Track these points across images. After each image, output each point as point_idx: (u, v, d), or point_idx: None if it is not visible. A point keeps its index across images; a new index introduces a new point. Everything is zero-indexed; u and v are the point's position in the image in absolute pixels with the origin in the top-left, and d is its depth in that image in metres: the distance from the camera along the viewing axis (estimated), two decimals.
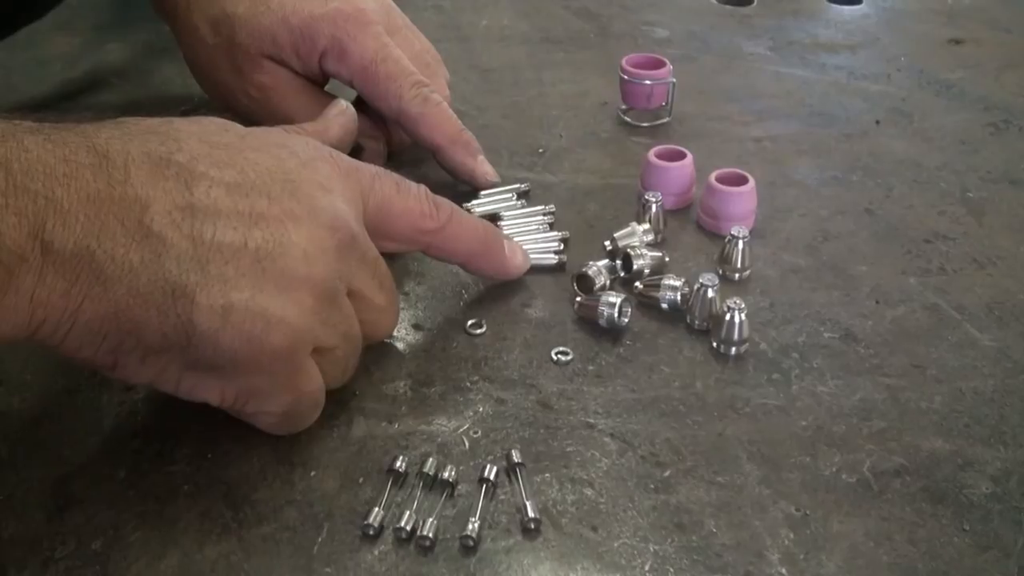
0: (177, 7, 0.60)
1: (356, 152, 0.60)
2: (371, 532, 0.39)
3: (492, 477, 0.41)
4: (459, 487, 0.41)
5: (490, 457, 0.42)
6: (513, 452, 0.42)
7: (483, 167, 0.60)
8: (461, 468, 0.42)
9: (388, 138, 0.62)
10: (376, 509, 0.39)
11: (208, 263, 0.37)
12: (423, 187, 0.47)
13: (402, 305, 0.51)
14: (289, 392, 0.40)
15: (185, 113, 0.67)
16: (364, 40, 0.57)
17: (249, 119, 0.57)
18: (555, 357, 0.48)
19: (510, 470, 0.42)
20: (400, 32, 0.61)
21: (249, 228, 0.38)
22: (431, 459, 0.42)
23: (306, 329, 0.39)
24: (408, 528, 0.39)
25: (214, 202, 0.38)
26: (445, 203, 0.48)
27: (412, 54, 0.60)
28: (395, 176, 0.47)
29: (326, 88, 0.61)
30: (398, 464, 0.41)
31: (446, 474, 0.41)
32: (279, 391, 0.40)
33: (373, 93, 0.58)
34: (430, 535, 0.38)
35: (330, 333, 0.41)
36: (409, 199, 0.46)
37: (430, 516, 0.39)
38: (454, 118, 0.59)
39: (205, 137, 0.40)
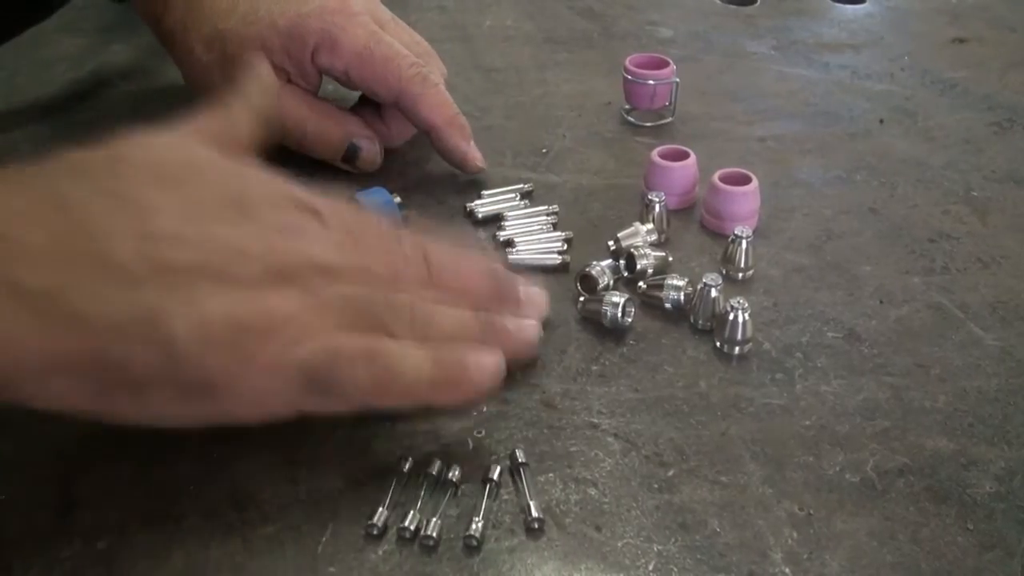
0: (174, 32, 0.61)
1: (353, 153, 0.60)
2: (375, 532, 0.39)
3: (496, 477, 0.41)
4: (463, 487, 0.41)
5: (494, 457, 0.43)
6: (517, 452, 0.42)
7: (474, 152, 0.60)
8: (465, 468, 0.42)
9: (383, 137, 0.62)
10: (380, 509, 0.40)
11: (177, 286, 0.37)
12: None
13: None
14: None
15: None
16: (354, 29, 0.58)
17: None
18: None
19: (514, 470, 0.42)
20: (388, 25, 0.62)
21: (206, 249, 0.38)
22: (435, 459, 0.42)
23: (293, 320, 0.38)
24: (412, 528, 0.39)
25: (170, 227, 0.38)
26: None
27: (402, 43, 0.60)
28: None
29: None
30: (402, 464, 0.42)
31: (450, 474, 0.41)
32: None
33: (370, 77, 0.58)
34: (434, 535, 0.39)
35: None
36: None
37: (434, 516, 0.39)
38: (450, 100, 0.60)
39: (149, 165, 0.40)
